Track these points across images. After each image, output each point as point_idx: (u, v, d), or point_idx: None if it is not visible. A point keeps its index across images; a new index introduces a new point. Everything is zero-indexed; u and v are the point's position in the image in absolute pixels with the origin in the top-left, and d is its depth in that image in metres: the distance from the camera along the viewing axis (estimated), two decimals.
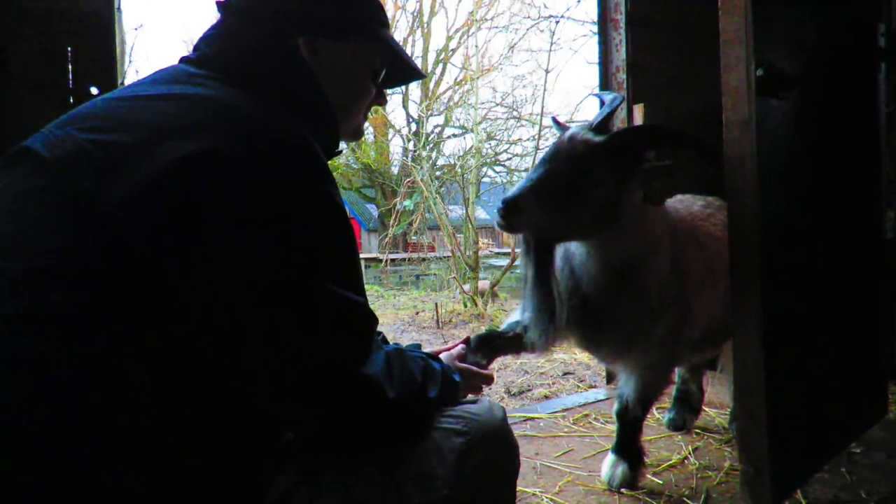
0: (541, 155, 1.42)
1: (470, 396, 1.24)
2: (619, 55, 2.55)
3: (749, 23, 1.25)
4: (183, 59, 0.90)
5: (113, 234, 0.67)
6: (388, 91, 1.17)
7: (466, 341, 1.34)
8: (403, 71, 1.10)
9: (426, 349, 1.11)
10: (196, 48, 0.91)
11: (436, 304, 5.58)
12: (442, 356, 1.18)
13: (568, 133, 1.39)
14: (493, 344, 1.49)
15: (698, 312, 1.61)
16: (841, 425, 1.72)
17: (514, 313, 1.63)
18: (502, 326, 1.60)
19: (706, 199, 1.86)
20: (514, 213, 1.27)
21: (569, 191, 1.31)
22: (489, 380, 1.24)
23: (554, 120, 1.63)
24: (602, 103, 1.58)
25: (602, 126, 1.45)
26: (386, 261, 8.35)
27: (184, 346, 0.69)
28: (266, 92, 0.83)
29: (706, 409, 2.22)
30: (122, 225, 0.67)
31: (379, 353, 0.82)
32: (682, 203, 1.81)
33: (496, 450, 0.93)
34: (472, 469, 0.87)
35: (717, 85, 1.33)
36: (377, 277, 10.18)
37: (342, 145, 1.06)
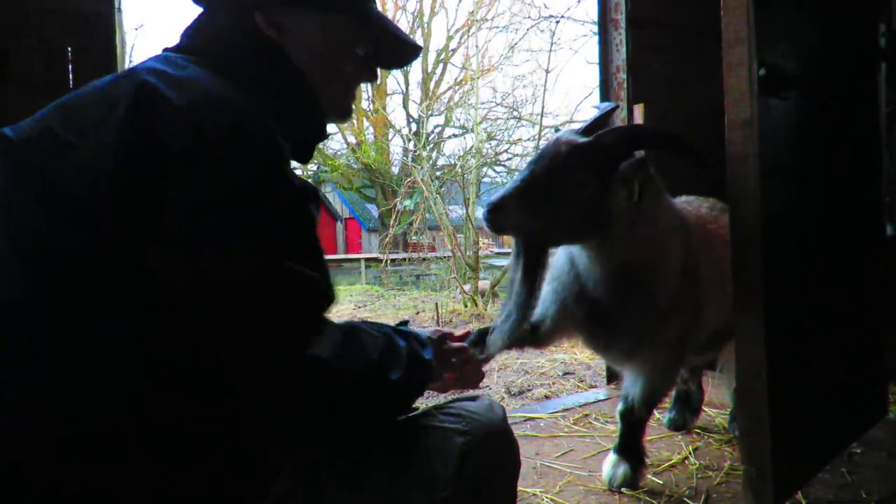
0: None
1: (469, 393, 1.24)
2: (620, 55, 2.55)
3: (751, 23, 1.25)
4: (165, 49, 0.89)
5: (78, 208, 0.68)
6: (389, 73, 1.15)
7: (468, 334, 1.33)
8: (393, 45, 1.04)
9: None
10: (179, 38, 0.91)
11: (436, 304, 5.58)
12: (440, 333, 1.13)
13: (555, 136, 1.40)
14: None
15: (708, 316, 1.61)
16: (842, 425, 1.72)
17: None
18: None
19: (709, 200, 1.86)
20: (497, 214, 1.28)
21: (550, 192, 1.31)
22: (470, 363, 1.19)
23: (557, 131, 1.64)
24: (598, 110, 1.58)
25: (592, 130, 1.44)
26: (386, 261, 8.35)
27: (165, 327, 0.68)
28: (234, 73, 0.81)
29: (706, 409, 2.22)
30: (84, 199, 0.68)
31: (334, 330, 0.79)
32: (689, 205, 1.81)
33: (497, 449, 0.93)
34: (473, 469, 0.87)
35: (719, 85, 1.33)
36: (377, 277, 10.17)
37: (334, 128, 1.04)
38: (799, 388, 1.44)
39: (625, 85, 2.53)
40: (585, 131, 1.44)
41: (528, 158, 1.63)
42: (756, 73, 1.27)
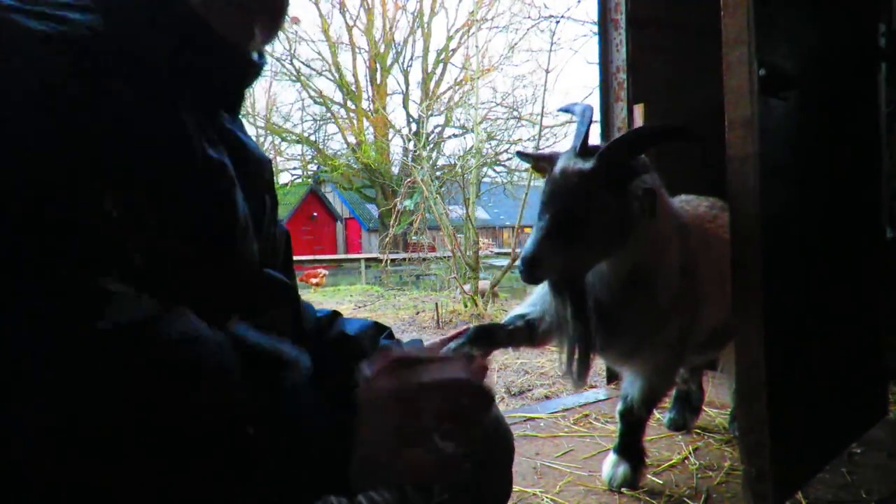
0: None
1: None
2: (620, 55, 2.55)
3: (751, 23, 1.25)
4: None
5: None
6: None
7: (465, 332, 1.31)
8: None
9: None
10: None
11: (436, 304, 5.58)
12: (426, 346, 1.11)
13: (558, 168, 1.37)
14: (493, 337, 1.47)
15: (707, 315, 1.61)
16: (842, 425, 1.72)
17: (517, 307, 1.63)
18: (504, 320, 1.60)
19: (709, 199, 1.86)
20: (535, 268, 1.29)
21: (580, 227, 1.32)
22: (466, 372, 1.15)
23: (520, 154, 1.60)
24: (572, 114, 1.55)
25: (584, 146, 1.41)
26: (386, 261, 8.37)
27: None
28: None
29: (706, 409, 2.22)
30: None
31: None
32: (688, 204, 1.81)
33: (491, 438, 0.93)
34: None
35: (719, 85, 1.33)
36: (377, 277, 10.19)
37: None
38: (799, 388, 1.44)
39: (625, 85, 2.53)
40: (580, 151, 1.39)
41: (527, 181, 1.60)
42: (756, 73, 1.27)
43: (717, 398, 2.32)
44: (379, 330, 1.08)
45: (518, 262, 1.30)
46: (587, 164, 1.34)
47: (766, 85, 1.29)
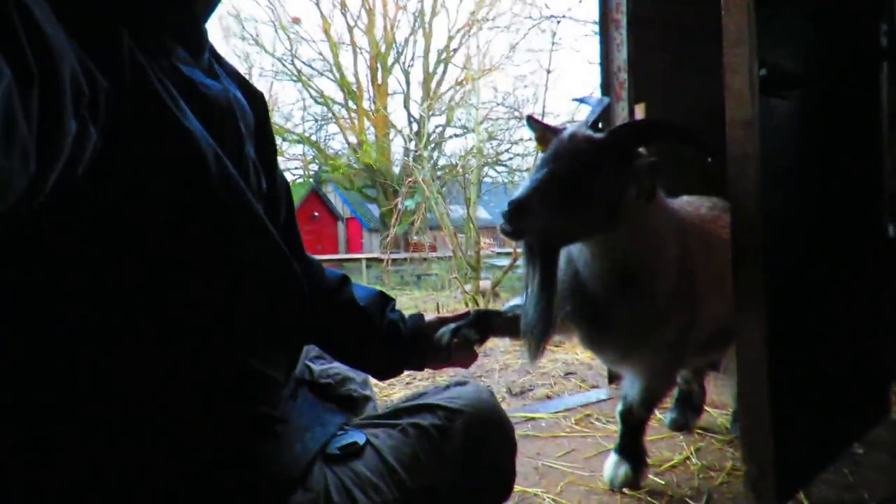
0: (541, 156, 1.39)
1: (458, 377, 1.24)
2: (621, 55, 2.55)
3: (752, 23, 1.25)
4: None
5: None
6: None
7: (467, 314, 1.30)
8: None
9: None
10: None
11: (437, 304, 5.58)
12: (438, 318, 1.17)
13: (567, 132, 1.35)
14: (491, 322, 1.41)
15: (706, 316, 1.60)
16: (844, 426, 1.72)
17: (516, 298, 1.63)
18: (504, 307, 1.59)
19: (712, 199, 1.86)
20: (521, 216, 1.19)
21: (576, 190, 1.27)
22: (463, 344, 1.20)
23: (530, 119, 1.53)
24: (587, 105, 1.54)
25: (595, 126, 1.42)
26: (387, 261, 8.36)
27: None
28: None
29: (708, 409, 2.22)
30: None
31: None
32: (689, 205, 1.80)
33: (487, 426, 0.95)
34: (467, 448, 0.90)
35: (719, 84, 1.32)
36: (379, 277, 10.19)
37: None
38: (800, 389, 1.44)
39: (626, 84, 2.53)
40: (591, 127, 1.40)
41: (530, 158, 1.61)
42: (757, 74, 1.26)
43: (719, 398, 2.31)
44: (384, 299, 1.12)
45: (503, 207, 1.20)
46: (599, 135, 1.32)
47: (767, 85, 1.29)
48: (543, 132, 1.44)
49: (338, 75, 17.66)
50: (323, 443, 0.87)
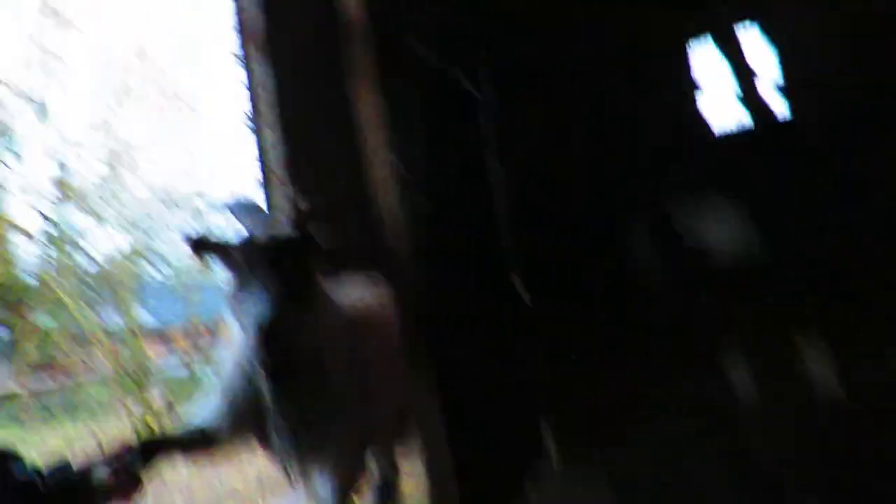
0: None
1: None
2: (277, 154, 2.59)
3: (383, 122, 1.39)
4: None
5: None
6: None
7: (127, 449, 1.16)
8: None
9: None
10: None
11: (98, 439, 4.67)
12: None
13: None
14: (161, 447, 1.30)
15: (383, 398, 1.65)
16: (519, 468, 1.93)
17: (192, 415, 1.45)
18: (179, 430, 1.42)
19: (369, 274, 1.88)
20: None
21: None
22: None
23: (194, 244, 1.48)
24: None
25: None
26: (26, 393, 6.80)
27: None
28: None
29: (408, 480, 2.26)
30: None
31: None
32: (355, 283, 1.85)
33: None
34: None
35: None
36: (14, 416, 8.15)
37: None
38: (481, 451, 1.58)
39: (284, 181, 2.57)
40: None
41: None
42: (396, 167, 1.41)
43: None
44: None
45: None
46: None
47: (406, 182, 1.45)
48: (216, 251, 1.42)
49: None
50: None
